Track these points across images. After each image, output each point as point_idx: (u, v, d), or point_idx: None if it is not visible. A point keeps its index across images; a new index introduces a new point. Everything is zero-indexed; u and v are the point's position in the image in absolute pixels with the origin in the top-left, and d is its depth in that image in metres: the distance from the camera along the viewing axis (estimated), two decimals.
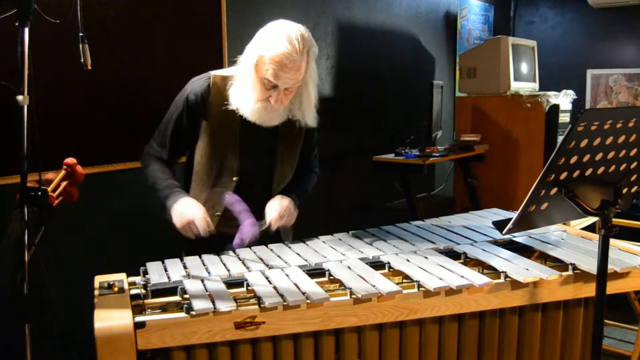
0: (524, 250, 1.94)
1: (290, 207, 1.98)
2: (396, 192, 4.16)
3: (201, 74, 2.01)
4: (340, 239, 2.04)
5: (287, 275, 1.65)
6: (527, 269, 1.68)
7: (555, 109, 4.23)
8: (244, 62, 1.88)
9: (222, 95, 1.92)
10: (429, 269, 1.69)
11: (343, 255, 1.84)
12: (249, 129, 1.93)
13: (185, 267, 1.74)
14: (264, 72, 1.81)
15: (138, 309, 1.49)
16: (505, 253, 1.85)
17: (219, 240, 1.93)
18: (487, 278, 1.61)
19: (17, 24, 1.33)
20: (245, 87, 1.87)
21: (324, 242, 2.01)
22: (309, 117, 1.98)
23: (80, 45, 1.71)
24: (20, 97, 1.32)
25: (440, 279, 1.61)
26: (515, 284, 1.65)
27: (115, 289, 1.56)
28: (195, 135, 1.97)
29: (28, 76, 1.33)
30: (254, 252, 1.88)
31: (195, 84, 1.97)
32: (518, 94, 4.33)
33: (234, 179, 1.97)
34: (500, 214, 2.36)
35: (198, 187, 2.00)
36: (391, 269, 1.76)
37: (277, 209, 1.93)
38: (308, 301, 1.48)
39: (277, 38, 1.79)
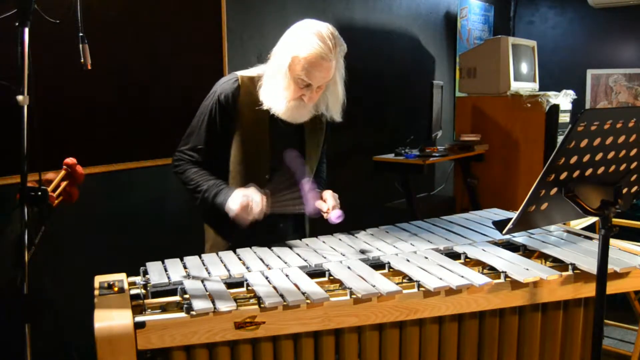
0: (524, 250, 1.94)
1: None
2: (396, 192, 4.16)
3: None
4: (340, 239, 2.04)
5: (287, 276, 1.65)
6: (527, 269, 1.68)
7: (555, 109, 4.23)
8: (275, 63, 1.92)
9: (250, 94, 1.97)
10: (429, 269, 1.69)
11: (343, 256, 1.84)
12: (277, 127, 1.99)
13: (185, 267, 1.74)
14: (298, 72, 1.86)
15: (138, 309, 1.49)
16: (505, 253, 1.85)
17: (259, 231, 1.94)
18: (487, 278, 1.61)
19: (17, 24, 1.33)
20: (277, 86, 1.91)
21: (324, 242, 2.01)
22: (336, 112, 2.04)
23: (80, 45, 1.70)
24: (20, 97, 1.32)
25: (440, 279, 1.61)
26: (515, 284, 1.65)
27: (115, 289, 1.56)
28: (227, 135, 2.00)
29: (28, 76, 1.33)
30: (254, 252, 1.89)
31: (225, 85, 1.99)
32: (518, 94, 4.32)
33: (266, 176, 2.00)
34: (500, 214, 2.36)
35: (233, 187, 2.00)
36: (391, 269, 1.76)
37: (333, 202, 1.98)
38: (308, 301, 1.48)
39: (310, 38, 1.84)
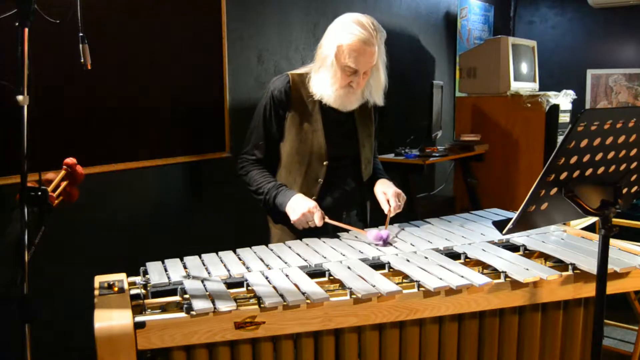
0: (524, 250, 1.94)
1: (399, 191, 2.15)
2: None
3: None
4: (340, 239, 2.04)
5: (287, 276, 1.65)
6: (527, 269, 1.68)
7: (555, 109, 4.22)
8: (322, 55, 2.05)
9: (301, 89, 2.11)
10: (429, 269, 1.69)
11: (343, 256, 1.84)
12: (328, 117, 2.12)
13: (185, 267, 1.74)
14: (345, 60, 1.98)
15: (138, 309, 1.49)
16: (505, 253, 1.85)
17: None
18: (487, 278, 1.61)
19: (17, 24, 1.33)
20: (326, 76, 2.04)
21: (324, 242, 2.01)
22: (378, 96, 2.15)
23: (80, 45, 1.70)
24: (20, 97, 1.32)
25: (440, 279, 1.61)
26: (515, 284, 1.65)
27: (115, 289, 1.56)
28: (283, 128, 2.13)
29: (28, 76, 1.33)
30: (254, 252, 1.89)
31: (277, 82, 2.14)
32: (518, 94, 4.32)
33: (325, 163, 2.12)
34: (500, 214, 2.36)
35: (291, 176, 2.14)
36: (391, 269, 1.76)
37: (394, 195, 2.11)
38: (308, 301, 1.48)
39: (351, 27, 1.98)
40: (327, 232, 2.08)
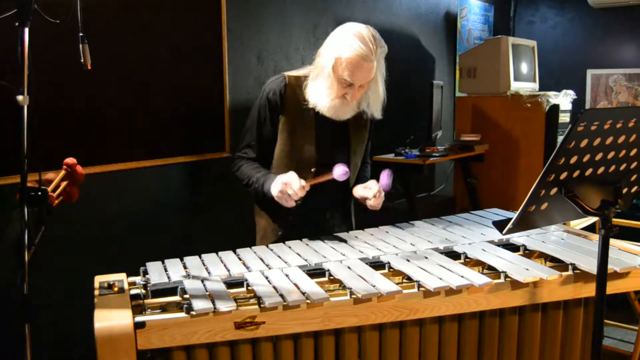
0: (524, 250, 1.94)
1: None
2: (396, 192, 4.16)
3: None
4: (340, 239, 2.04)
5: (287, 275, 1.65)
6: (527, 269, 1.69)
7: (555, 109, 4.22)
8: (320, 64, 2.03)
9: (296, 92, 2.09)
10: (429, 269, 1.69)
11: (343, 255, 1.84)
12: (322, 123, 2.09)
13: (185, 267, 1.74)
14: (342, 73, 1.96)
15: (138, 309, 1.49)
16: (505, 253, 1.85)
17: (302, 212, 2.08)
18: (487, 278, 1.62)
19: (17, 24, 1.33)
20: (322, 86, 2.03)
21: (324, 242, 2.01)
22: (376, 110, 2.15)
23: (80, 45, 1.70)
24: (20, 97, 1.32)
25: (440, 279, 1.61)
26: (515, 284, 1.65)
27: (115, 289, 1.56)
28: (276, 130, 2.12)
29: (28, 76, 1.33)
30: (254, 252, 1.89)
31: (273, 84, 2.12)
32: (518, 94, 4.32)
33: (312, 170, 2.10)
34: (500, 214, 2.36)
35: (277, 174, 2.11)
36: (391, 269, 1.76)
37: (375, 193, 2.05)
38: (308, 301, 1.48)
39: (352, 40, 1.94)
40: (308, 229, 2.07)
